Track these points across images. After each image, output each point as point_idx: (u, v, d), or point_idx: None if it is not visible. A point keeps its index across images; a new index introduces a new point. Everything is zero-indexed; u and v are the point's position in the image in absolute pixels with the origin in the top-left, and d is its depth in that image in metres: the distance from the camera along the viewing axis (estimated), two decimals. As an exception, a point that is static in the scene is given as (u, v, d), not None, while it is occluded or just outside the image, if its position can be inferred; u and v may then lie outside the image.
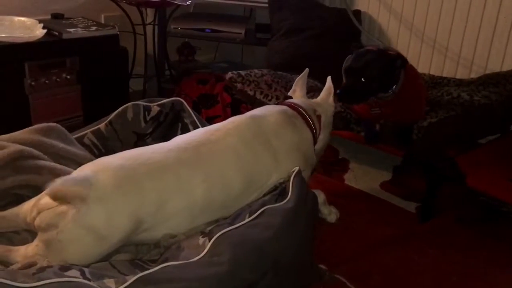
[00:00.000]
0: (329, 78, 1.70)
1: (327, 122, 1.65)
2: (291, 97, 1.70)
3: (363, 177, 2.13)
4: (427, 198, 1.81)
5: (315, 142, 1.58)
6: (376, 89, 1.70)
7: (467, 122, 1.86)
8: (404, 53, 2.54)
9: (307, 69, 1.71)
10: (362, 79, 1.66)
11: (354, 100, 1.75)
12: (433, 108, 1.91)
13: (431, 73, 2.46)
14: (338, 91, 1.67)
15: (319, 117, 1.61)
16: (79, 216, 1.07)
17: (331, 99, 1.68)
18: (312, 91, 2.04)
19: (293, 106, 1.57)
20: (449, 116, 1.84)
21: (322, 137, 1.63)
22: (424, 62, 2.53)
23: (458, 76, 2.39)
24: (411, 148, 1.83)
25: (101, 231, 1.09)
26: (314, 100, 1.69)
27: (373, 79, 1.67)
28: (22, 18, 2.25)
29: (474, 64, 2.38)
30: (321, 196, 1.60)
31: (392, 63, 1.69)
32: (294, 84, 1.71)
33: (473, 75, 2.34)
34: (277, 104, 1.65)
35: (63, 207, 1.09)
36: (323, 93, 1.70)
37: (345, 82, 1.70)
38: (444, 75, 2.43)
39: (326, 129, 1.64)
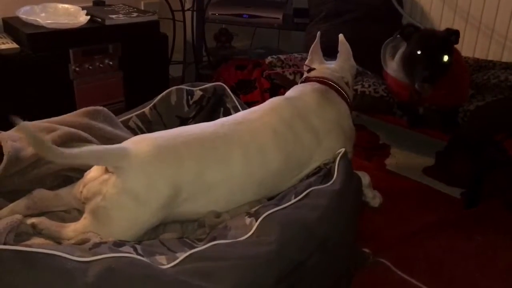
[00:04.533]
0: (341, 36, 1.64)
1: (352, 83, 1.64)
2: (311, 68, 1.62)
3: (405, 163, 2.10)
4: (473, 183, 1.77)
5: (350, 111, 1.56)
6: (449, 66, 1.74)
7: (516, 106, 1.80)
8: (447, 35, 2.49)
9: (319, 33, 1.67)
10: (445, 58, 1.69)
11: (439, 77, 1.73)
12: (479, 91, 1.85)
13: (476, 56, 2.38)
14: (426, 74, 1.66)
15: (347, 83, 1.59)
16: (120, 182, 1.11)
17: (352, 60, 1.64)
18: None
19: (323, 81, 1.53)
20: (497, 100, 1.78)
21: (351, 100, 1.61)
22: (468, 45, 2.45)
23: (504, 60, 2.31)
24: (458, 132, 1.79)
25: (142, 195, 1.12)
26: (337, 64, 1.62)
27: (451, 54, 1.71)
28: (66, 5, 2.30)
29: (520, 47, 2.30)
30: (366, 178, 1.58)
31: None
32: (309, 53, 1.66)
33: (519, 60, 2.26)
34: (303, 81, 1.60)
35: (106, 176, 1.14)
36: (343, 55, 1.63)
37: (426, 63, 1.69)
38: (489, 58, 2.35)
39: (351, 90, 1.63)
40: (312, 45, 1.66)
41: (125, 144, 1.21)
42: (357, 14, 2.48)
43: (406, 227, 1.67)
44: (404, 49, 1.83)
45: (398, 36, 1.90)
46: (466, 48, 2.45)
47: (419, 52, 1.70)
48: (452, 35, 1.74)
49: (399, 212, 1.74)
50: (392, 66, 1.89)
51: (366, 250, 1.48)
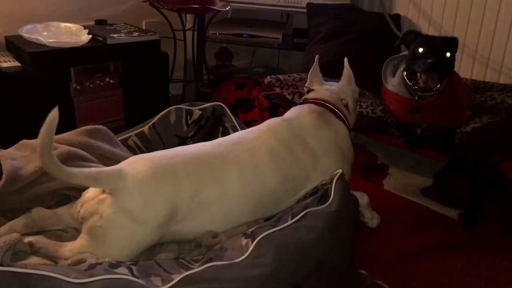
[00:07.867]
0: (346, 61, 1.66)
1: (353, 106, 1.65)
2: (310, 90, 1.65)
3: (403, 183, 2.10)
4: (471, 204, 1.77)
5: (349, 131, 1.58)
6: (453, 66, 1.78)
7: (513, 128, 1.81)
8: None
9: (317, 56, 1.70)
10: (448, 54, 1.71)
11: (442, 73, 1.73)
12: (476, 113, 1.87)
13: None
14: (430, 61, 1.65)
15: (346, 105, 1.61)
16: (116, 201, 1.13)
17: (353, 84, 1.66)
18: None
19: (320, 103, 1.56)
20: (494, 121, 1.79)
21: (351, 123, 1.63)
22: (465, 71, 2.47)
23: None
24: (455, 154, 1.80)
25: (138, 215, 1.13)
26: (338, 87, 1.64)
27: (454, 54, 1.74)
28: (68, 24, 2.33)
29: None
30: (364, 199, 1.59)
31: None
32: (309, 76, 1.68)
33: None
34: (301, 102, 1.63)
35: (103, 195, 1.15)
36: (345, 79, 1.65)
37: (429, 55, 1.68)
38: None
39: (353, 113, 1.65)
40: (311, 68, 1.68)
41: (121, 165, 1.21)
42: (355, 35, 2.50)
43: (404, 248, 1.66)
44: (404, 66, 1.85)
45: (399, 54, 1.92)
46: (463, 74, 2.48)
47: (421, 50, 1.72)
48: (451, 41, 1.76)
49: (396, 233, 1.73)
50: (393, 82, 1.90)
51: (363, 271, 1.48)
